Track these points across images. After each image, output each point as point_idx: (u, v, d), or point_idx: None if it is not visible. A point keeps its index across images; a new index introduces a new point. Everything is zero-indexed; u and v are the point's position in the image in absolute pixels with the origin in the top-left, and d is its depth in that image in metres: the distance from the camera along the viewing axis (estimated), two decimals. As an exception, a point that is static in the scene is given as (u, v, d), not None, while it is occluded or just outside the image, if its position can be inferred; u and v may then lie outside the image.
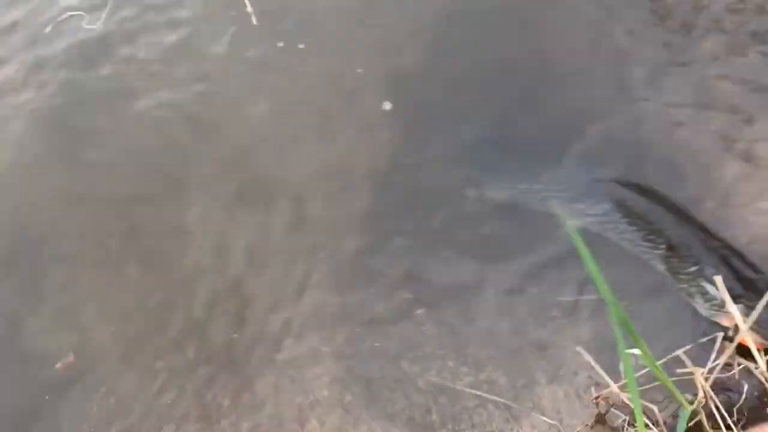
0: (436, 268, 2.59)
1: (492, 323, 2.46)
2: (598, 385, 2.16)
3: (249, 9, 3.44)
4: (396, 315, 2.52)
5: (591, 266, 1.43)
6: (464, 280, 2.54)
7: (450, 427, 2.29)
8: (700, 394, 1.90)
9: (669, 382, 1.67)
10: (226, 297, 2.66)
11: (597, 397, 2.18)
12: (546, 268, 2.48)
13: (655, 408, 1.97)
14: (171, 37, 3.53)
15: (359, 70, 3.14)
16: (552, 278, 2.47)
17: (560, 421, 2.20)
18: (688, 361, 1.85)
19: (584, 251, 1.50)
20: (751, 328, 1.92)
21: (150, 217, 2.93)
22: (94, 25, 3.64)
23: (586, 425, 2.16)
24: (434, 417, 2.32)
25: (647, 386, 1.97)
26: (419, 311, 2.51)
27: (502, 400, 2.27)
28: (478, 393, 2.30)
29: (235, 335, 2.55)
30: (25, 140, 3.29)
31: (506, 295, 2.50)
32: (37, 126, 3.32)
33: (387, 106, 2.95)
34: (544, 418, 2.20)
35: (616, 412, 2.17)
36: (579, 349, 1.98)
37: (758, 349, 1.93)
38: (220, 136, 3.12)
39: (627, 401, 2.02)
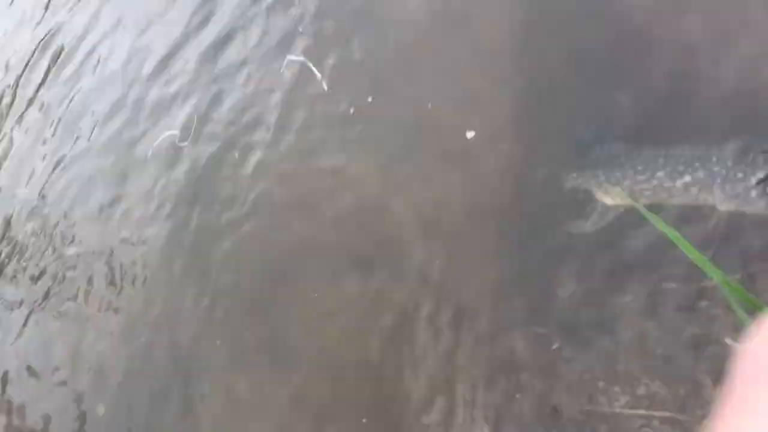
0: (557, 304, 2.39)
1: (637, 332, 2.21)
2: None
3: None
4: (532, 352, 2.35)
5: (684, 247, 1.24)
6: (594, 304, 2.32)
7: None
8: None
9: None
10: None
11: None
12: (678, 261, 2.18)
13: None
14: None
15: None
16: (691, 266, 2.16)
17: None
18: None
19: (674, 235, 1.30)
20: None
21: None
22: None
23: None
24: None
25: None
26: (555, 345, 2.31)
27: (667, 414, 2.02)
28: (639, 412, 2.06)
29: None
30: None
31: (647, 297, 2.24)
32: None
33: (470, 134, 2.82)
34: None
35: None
36: (728, 340, 1.72)
37: None
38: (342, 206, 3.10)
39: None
